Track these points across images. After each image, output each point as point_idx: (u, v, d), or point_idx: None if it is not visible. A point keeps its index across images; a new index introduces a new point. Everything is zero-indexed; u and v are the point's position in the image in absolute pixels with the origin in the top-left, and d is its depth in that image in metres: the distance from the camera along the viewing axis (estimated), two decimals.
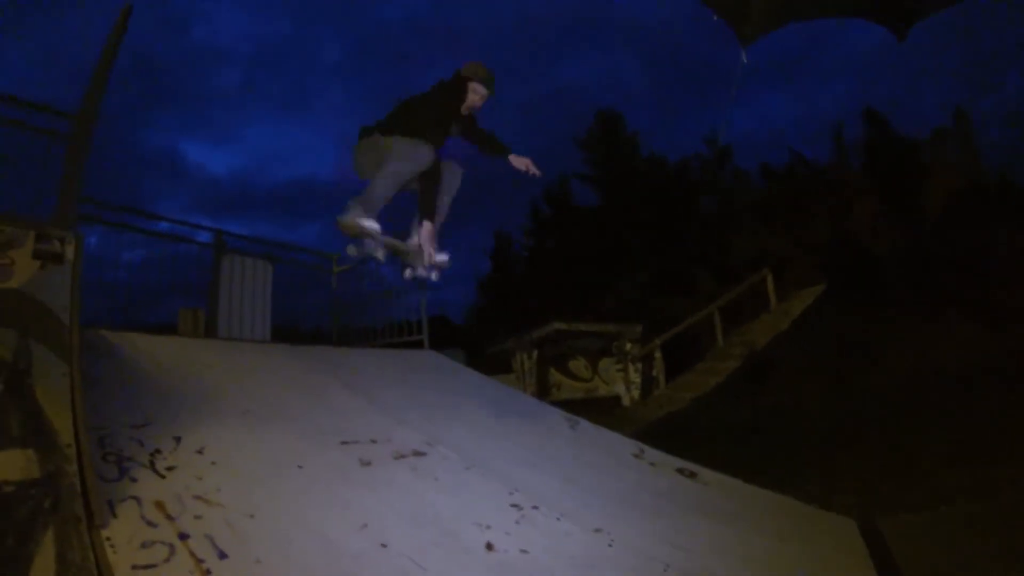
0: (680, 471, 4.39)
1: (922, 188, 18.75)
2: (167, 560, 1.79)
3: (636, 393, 13.23)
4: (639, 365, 13.39)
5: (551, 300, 20.25)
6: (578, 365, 13.67)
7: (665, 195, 23.69)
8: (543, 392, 12.41)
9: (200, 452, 2.53)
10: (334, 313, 8.56)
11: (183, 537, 1.90)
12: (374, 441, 3.25)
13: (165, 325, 7.28)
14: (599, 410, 10.97)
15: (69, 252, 2.56)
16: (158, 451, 2.43)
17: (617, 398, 13.38)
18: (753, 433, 8.51)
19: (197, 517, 2.04)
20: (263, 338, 7.07)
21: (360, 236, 4.06)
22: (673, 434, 8.47)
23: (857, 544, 3.67)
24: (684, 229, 21.68)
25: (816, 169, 23.26)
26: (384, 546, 2.16)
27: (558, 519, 2.83)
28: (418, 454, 3.23)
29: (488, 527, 2.54)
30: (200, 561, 1.81)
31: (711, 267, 19.05)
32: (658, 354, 13.17)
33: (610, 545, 2.73)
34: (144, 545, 1.82)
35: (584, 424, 5.10)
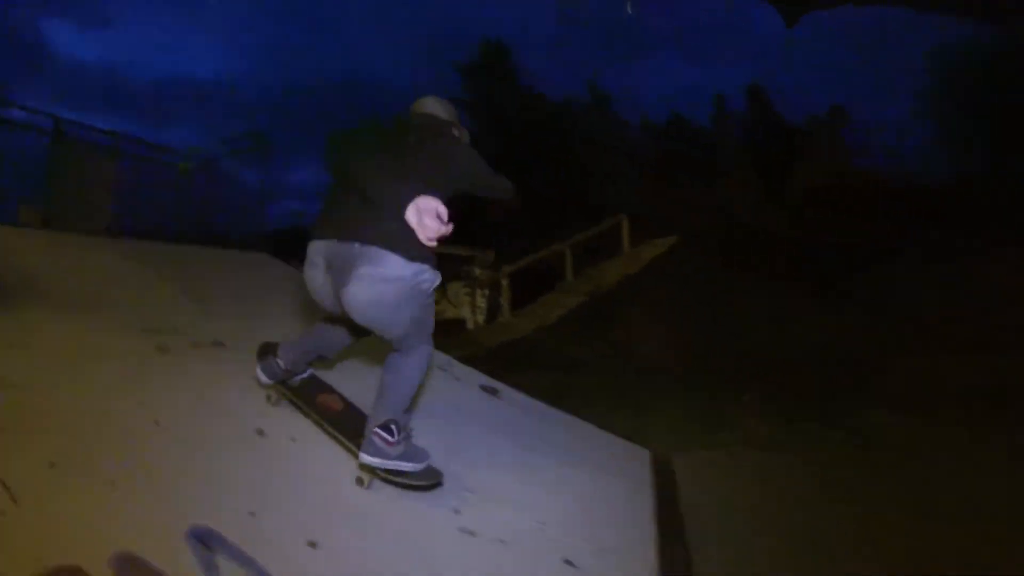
0: (483, 387, 4.74)
1: (791, 170, 20.33)
2: None
3: (481, 318, 13.67)
4: (486, 291, 13.84)
5: None
6: None
7: (540, 131, 23.96)
8: None
9: None
10: (182, 212, 8.42)
11: None
12: (176, 331, 3.40)
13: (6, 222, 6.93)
14: (444, 332, 11.27)
15: None
16: None
17: (462, 321, 13.74)
18: (585, 367, 9.18)
19: None
20: (99, 233, 6.87)
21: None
22: (508, 359, 8.98)
23: (643, 471, 4.00)
24: (558, 168, 22.13)
25: (694, 132, 24.44)
26: (157, 424, 2.38)
27: None
28: (218, 344, 3.41)
29: (264, 414, 2.80)
30: None
31: (580, 209, 19.67)
32: (505, 282, 13.57)
33: None
34: None
35: None
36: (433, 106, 2.92)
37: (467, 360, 5.71)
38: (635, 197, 18.42)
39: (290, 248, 9.23)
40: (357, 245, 2.43)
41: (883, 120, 25.59)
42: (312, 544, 1.97)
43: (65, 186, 6.93)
